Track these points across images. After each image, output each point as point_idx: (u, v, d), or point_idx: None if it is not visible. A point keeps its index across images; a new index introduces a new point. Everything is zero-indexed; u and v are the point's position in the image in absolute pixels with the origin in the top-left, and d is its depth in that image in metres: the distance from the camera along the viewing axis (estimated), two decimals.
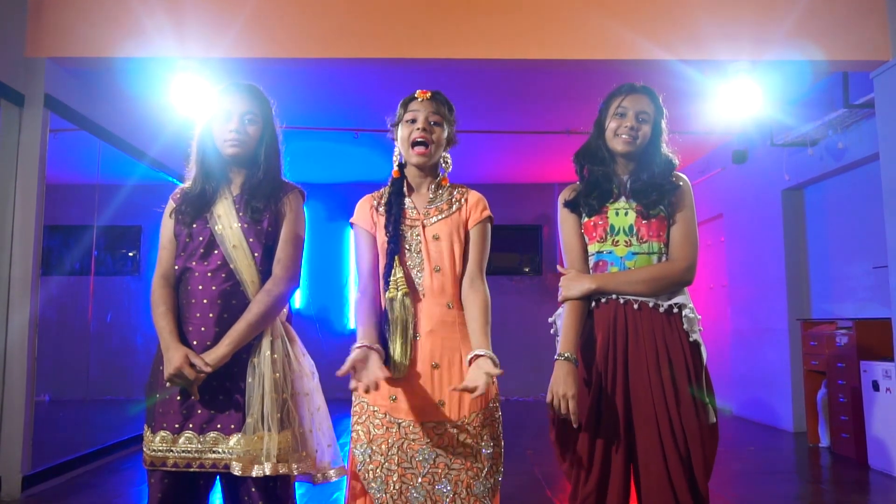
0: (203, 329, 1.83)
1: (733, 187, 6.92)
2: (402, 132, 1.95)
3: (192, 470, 1.79)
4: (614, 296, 1.91)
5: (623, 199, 1.98)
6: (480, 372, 1.74)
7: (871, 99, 4.48)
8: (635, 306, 1.90)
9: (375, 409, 1.87)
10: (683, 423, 1.81)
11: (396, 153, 2.01)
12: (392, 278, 1.88)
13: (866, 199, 5.06)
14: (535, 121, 6.21)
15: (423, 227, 1.93)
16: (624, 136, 1.95)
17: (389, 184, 2.01)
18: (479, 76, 5.13)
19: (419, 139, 1.91)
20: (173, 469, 1.79)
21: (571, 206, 2.02)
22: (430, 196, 1.98)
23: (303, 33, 4.06)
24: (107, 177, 4.89)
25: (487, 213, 1.97)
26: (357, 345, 1.81)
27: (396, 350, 1.85)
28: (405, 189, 1.99)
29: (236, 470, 1.76)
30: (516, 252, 9.15)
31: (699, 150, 7.34)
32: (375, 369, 1.76)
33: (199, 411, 1.80)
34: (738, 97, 4.38)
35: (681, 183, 1.99)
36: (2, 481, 3.76)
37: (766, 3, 4.11)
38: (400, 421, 1.85)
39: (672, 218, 1.95)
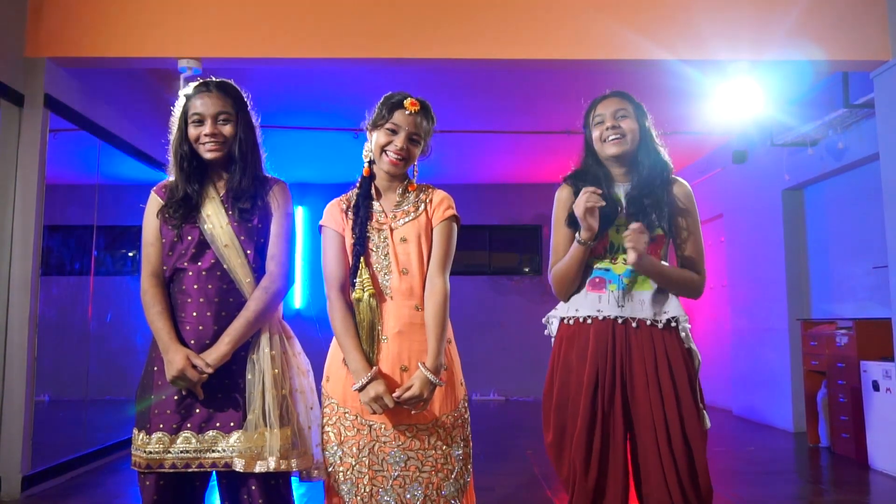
0: (201, 328, 1.82)
1: (733, 187, 6.92)
2: (378, 137, 1.93)
3: (190, 470, 1.77)
4: (612, 315, 1.90)
5: (624, 216, 1.95)
6: (416, 381, 1.79)
7: (871, 99, 4.47)
8: (634, 325, 1.89)
9: (346, 410, 1.87)
10: (686, 426, 1.81)
11: (367, 150, 1.99)
12: (358, 279, 1.87)
13: (866, 199, 5.06)
14: (535, 121, 6.21)
15: (391, 229, 1.93)
16: (611, 138, 1.94)
17: (357, 185, 2.01)
18: (479, 76, 5.13)
19: (395, 155, 1.91)
20: (171, 470, 1.77)
21: (573, 225, 1.97)
22: (398, 199, 1.97)
23: (303, 33, 4.06)
24: (107, 177, 4.89)
25: (452, 211, 1.96)
26: (367, 377, 1.80)
27: (364, 351, 1.86)
28: (373, 192, 1.98)
29: (239, 466, 1.75)
30: (516, 252, 9.14)
31: (699, 150, 7.34)
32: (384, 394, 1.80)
33: (198, 410, 1.79)
34: (738, 97, 4.38)
35: (681, 195, 1.96)
36: (2, 481, 3.76)
37: (766, 3, 4.11)
38: (371, 423, 1.85)
39: (675, 231, 1.95)
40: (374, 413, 1.82)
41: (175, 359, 1.75)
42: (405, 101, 1.92)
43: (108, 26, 4.01)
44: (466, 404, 1.96)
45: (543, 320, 2.06)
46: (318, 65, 4.24)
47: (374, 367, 1.83)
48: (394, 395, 1.79)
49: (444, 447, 1.85)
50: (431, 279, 1.90)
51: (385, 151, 1.92)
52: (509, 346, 8.51)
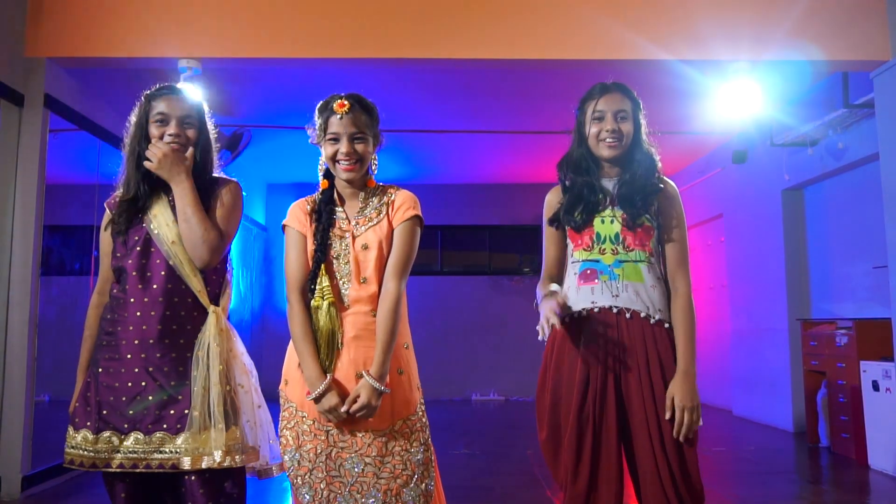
0: (144, 328, 1.84)
1: (733, 187, 6.92)
2: (326, 149, 1.89)
3: (138, 471, 1.79)
4: (608, 305, 1.89)
5: (609, 207, 1.94)
6: (362, 390, 1.77)
7: (871, 99, 4.48)
8: (627, 315, 1.88)
9: (304, 414, 1.86)
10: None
11: (322, 162, 1.95)
12: (318, 287, 1.84)
13: (866, 199, 5.06)
14: (535, 121, 6.21)
15: (353, 237, 1.89)
16: (608, 141, 1.92)
17: (319, 192, 1.96)
18: (479, 76, 5.13)
19: (345, 161, 1.87)
20: (118, 470, 1.79)
21: (555, 223, 1.99)
22: (361, 205, 1.93)
23: (303, 33, 4.06)
24: (107, 177, 4.88)
25: (413, 212, 1.90)
26: (322, 389, 1.78)
27: (321, 359, 1.84)
28: (336, 198, 1.94)
29: (186, 465, 1.77)
30: (516, 252, 9.15)
31: (699, 150, 7.34)
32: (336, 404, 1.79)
33: (146, 412, 1.81)
34: (738, 97, 4.38)
35: (667, 188, 1.95)
36: (2, 481, 3.76)
37: (766, 3, 4.11)
38: (329, 429, 1.83)
39: (662, 230, 1.93)
40: (330, 421, 1.81)
41: (78, 384, 1.96)
42: (334, 105, 1.87)
43: (108, 26, 4.01)
44: (424, 408, 1.93)
45: (538, 327, 2.05)
46: (317, 65, 4.25)
47: (329, 378, 1.80)
48: (342, 409, 1.77)
49: (403, 453, 1.82)
50: (385, 283, 1.85)
51: (336, 161, 1.88)
52: (509, 346, 8.51)
